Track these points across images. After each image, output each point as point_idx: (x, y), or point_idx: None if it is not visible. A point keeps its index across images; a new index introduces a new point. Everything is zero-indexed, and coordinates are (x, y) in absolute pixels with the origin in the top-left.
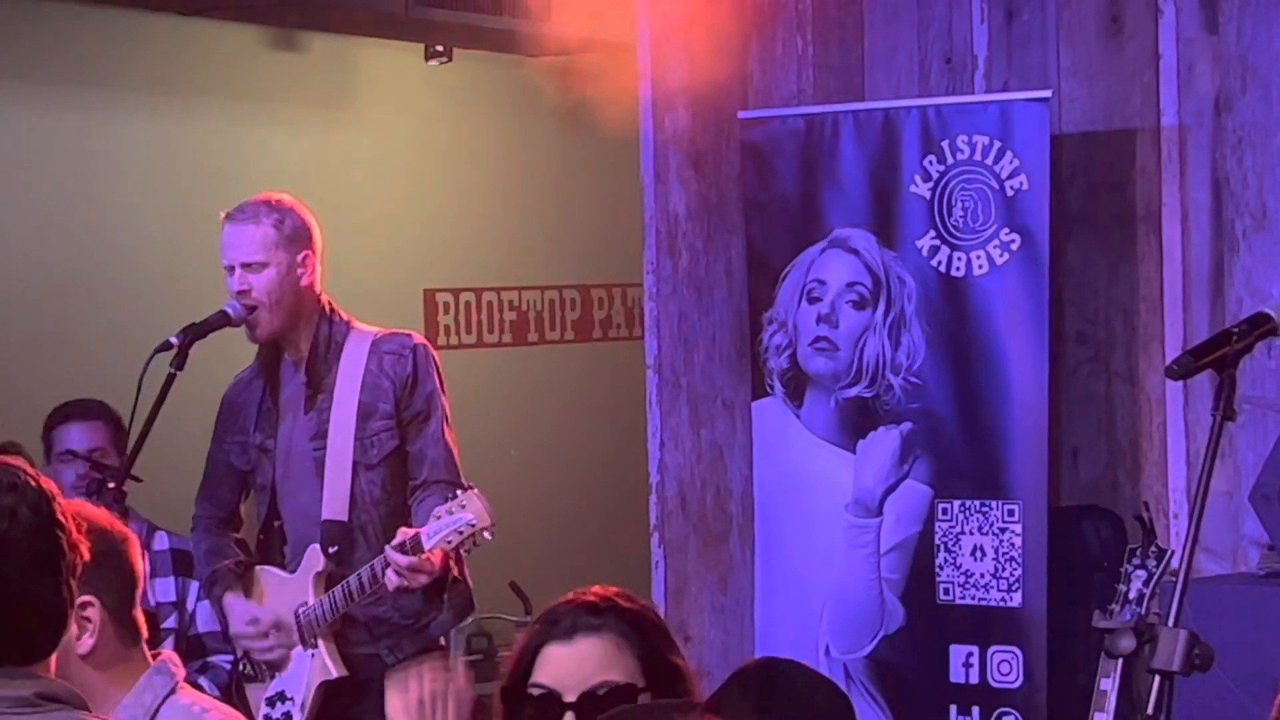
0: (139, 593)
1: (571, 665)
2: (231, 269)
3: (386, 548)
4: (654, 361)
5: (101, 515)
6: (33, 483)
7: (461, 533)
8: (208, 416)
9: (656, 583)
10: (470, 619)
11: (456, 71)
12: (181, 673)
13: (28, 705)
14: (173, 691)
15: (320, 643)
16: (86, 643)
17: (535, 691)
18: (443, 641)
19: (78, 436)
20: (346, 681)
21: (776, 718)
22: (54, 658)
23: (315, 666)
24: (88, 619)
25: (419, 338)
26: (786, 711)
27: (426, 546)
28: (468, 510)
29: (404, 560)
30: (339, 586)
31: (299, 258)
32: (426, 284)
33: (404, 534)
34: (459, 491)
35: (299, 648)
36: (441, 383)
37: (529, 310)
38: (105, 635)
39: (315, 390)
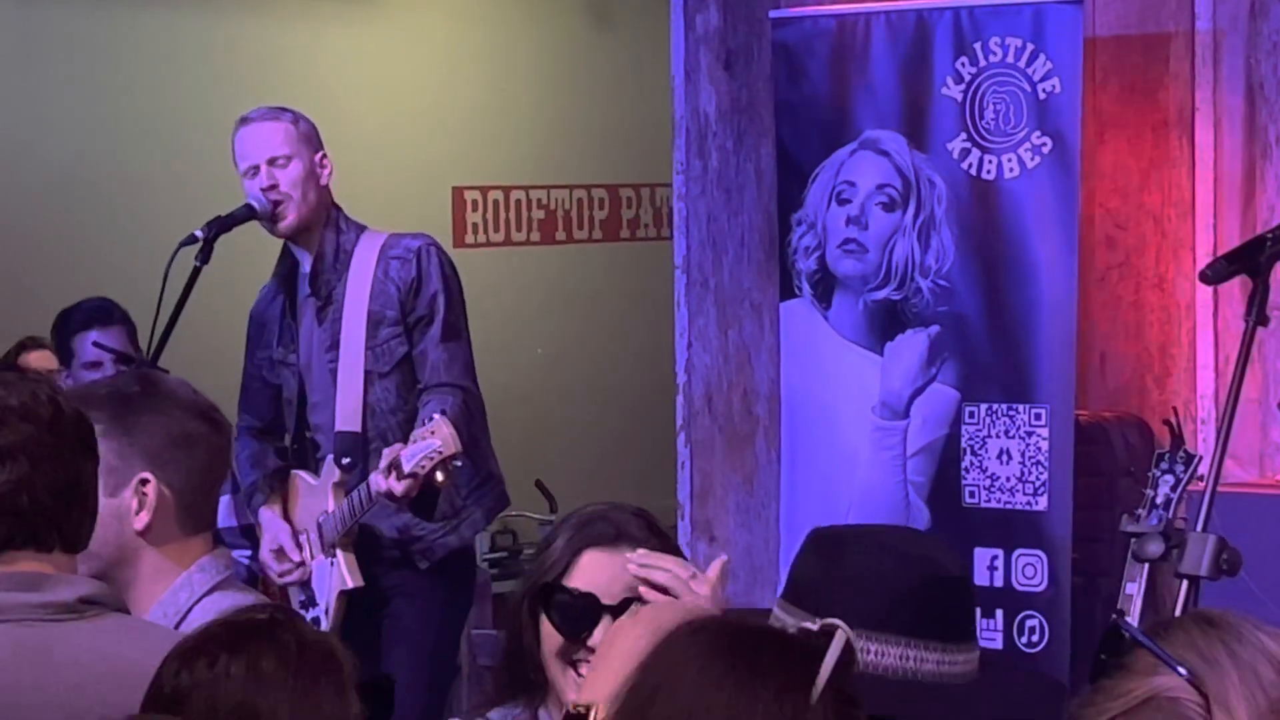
0: (218, 483)
1: (614, 571)
2: (255, 169)
3: (374, 474)
4: (682, 262)
5: (197, 401)
6: (47, 377)
7: (431, 459)
8: (231, 311)
9: (682, 483)
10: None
11: None
12: (230, 570)
13: (70, 611)
14: (214, 589)
15: (339, 552)
16: (143, 518)
17: (574, 593)
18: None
19: (102, 342)
20: (365, 591)
21: (853, 579)
22: (109, 532)
23: (334, 576)
24: (145, 494)
25: (426, 239)
26: (863, 566)
27: (406, 469)
28: (435, 437)
29: (385, 485)
30: (346, 500)
31: (317, 157)
32: (455, 182)
33: (388, 455)
34: (435, 416)
35: (320, 557)
36: (450, 283)
37: (557, 209)
38: (163, 515)
39: (326, 302)
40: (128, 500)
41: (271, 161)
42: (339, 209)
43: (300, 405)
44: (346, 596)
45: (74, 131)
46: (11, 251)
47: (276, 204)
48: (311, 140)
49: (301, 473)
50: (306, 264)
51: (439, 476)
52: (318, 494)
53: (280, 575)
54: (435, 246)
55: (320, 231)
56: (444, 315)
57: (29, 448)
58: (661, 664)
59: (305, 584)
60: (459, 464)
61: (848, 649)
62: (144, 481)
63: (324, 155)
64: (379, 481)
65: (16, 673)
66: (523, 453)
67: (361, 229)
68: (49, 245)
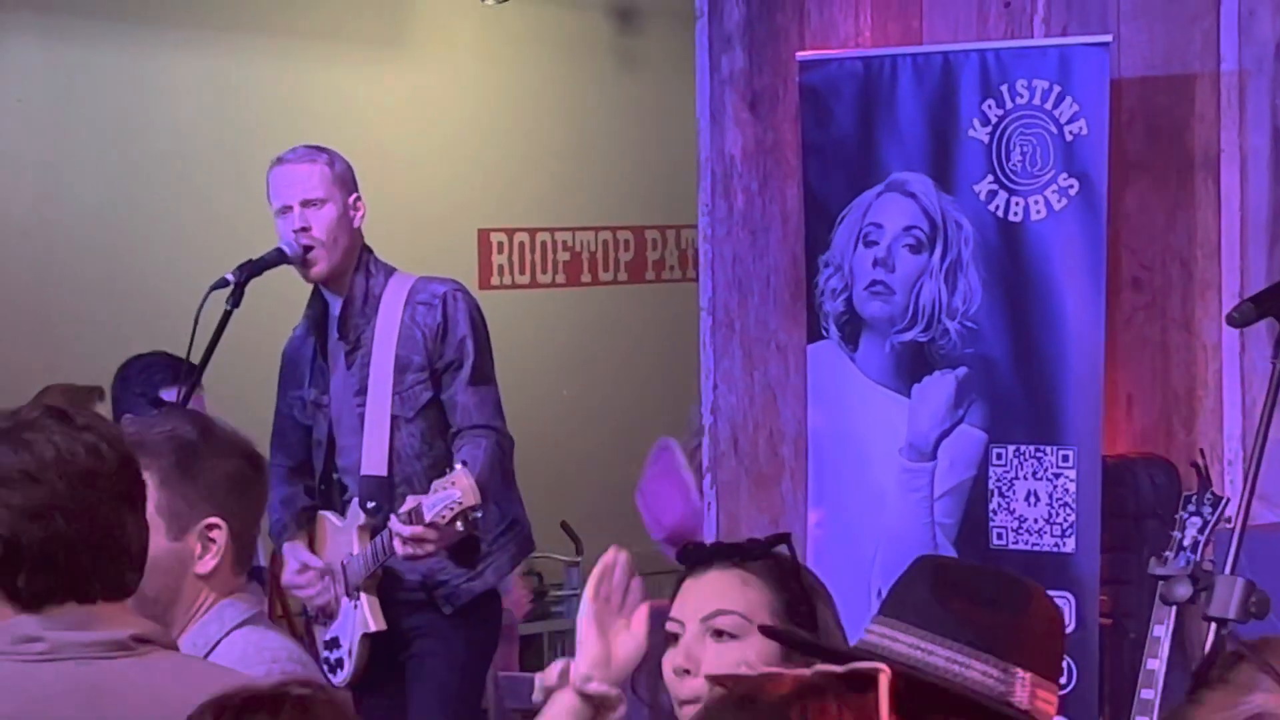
0: (260, 522)
1: (694, 595)
2: (288, 209)
3: (393, 516)
4: (708, 303)
5: (245, 442)
6: (102, 420)
7: (452, 509)
8: (262, 353)
9: (708, 524)
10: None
11: (513, 11)
12: (259, 607)
13: (122, 648)
14: (243, 624)
15: (362, 595)
16: (209, 563)
17: (667, 623)
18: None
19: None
20: (388, 633)
21: (952, 605)
22: (170, 576)
23: (358, 618)
24: (213, 540)
25: (452, 284)
26: (961, 595)
27: (426, 518)
28: (455, 488)
29: (406, 530)
30: (370, 545)
31: (351, 199)
32: (480, 224)
33: (409, 503)
34: (457, 467)
35: (345, 599)
36: (477, 327)
37: (582, 251)
38: (225, 559)
39: (354, 346)
40: (191, 545)
41: (305, 203)
42: (370, 251)
43: (329, 447)
44: (370, 639)
45: (103, 175)
46: (43, 295)
47: (308, 249)
48: (347, 182)
49: (328, 514)
50: (336, 308)
51: (459, 526)
52: (344, 536)
53: (307, 589)
54: (462, 291)
55: (351, 276)
56: (473, 359)
57: (62, 503)
58: None
59: (330, 620)
60: (479, 514)
61: (893, 683)
62: (211, 526)
63: (358, 197)
64: (400, 529)
65: (69, 710)
66: (548, 494)
67: (391, 271)
68: (80, 289)
